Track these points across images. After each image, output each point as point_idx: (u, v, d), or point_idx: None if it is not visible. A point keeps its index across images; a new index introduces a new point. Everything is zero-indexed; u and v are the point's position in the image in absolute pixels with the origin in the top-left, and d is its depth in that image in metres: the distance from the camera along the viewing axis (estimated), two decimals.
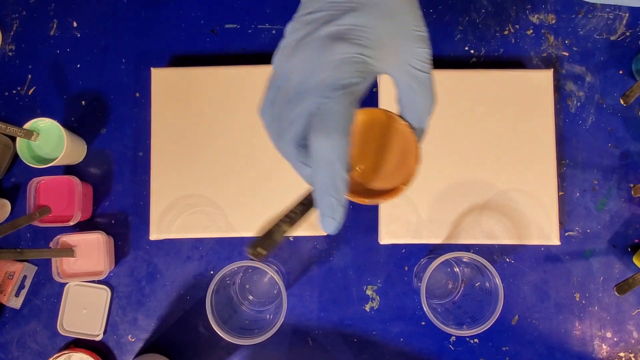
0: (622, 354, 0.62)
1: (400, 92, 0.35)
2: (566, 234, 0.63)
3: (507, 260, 0.63)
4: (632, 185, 0.63)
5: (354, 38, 0.33)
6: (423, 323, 0.63)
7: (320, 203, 0.33)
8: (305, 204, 0.35)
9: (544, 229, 0.59)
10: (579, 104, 0.65)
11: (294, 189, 0.60)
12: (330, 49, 0.32)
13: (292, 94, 0.33)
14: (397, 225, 0.60)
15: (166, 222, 0.60)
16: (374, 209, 0.63)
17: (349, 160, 0.31)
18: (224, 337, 0.53)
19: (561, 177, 0.64)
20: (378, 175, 0.36)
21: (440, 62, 0.66)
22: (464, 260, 0.59)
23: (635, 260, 0.61)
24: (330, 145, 0.31)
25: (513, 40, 0.66)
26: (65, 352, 0.61)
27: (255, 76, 0.61)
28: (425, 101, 0.34)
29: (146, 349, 0.63)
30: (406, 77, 0.34)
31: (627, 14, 0.66)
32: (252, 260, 0.32)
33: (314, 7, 0.35)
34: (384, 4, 0.33)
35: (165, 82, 0.62)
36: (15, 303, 0.63)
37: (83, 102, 0.66)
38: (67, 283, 0.62)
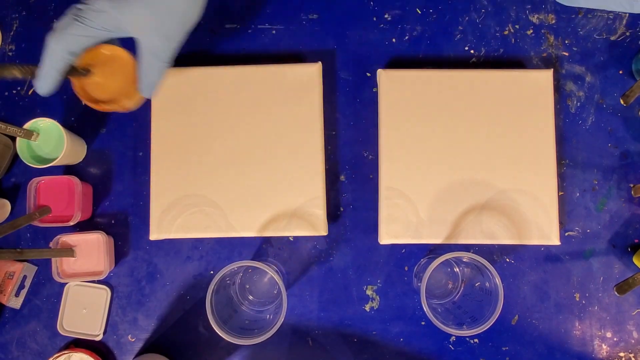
0: (622, 354, 0.62)
1: (139, 58, 0.46)
2: (566, 234, 0.63)
3: (507, 260, 0.63)
4: (632, 185, 0.63)
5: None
6: (423, 323, 0.63)
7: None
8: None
9: (544, 229, 0.59)
10: (579, 104, 0.65)
11: (294, 188, 0.60)
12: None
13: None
14: (397, 225, 0.60)
15: (166, 222, 0.60)
16: (374, 209, 0.63)
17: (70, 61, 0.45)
18: (224, 337, 0.53)
19: (561, 177, 0.64)
20: (112, 92, 0.51)
21: (440, 62, 0.66)
22: (464, 260, 0.59)
23: (635, 260, 0.61)
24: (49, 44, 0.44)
25: (513, 40, 0.66)
26: (65, 352, 0.61)
27: (255, 76, 0.61)
28: (155, 69, 0.47)
29: (146, 349, 0.63)
30: (150, 44, 0.45)
31: (627, 14, 0.66)
32: None
33: None
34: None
35: (165, 82, 0.62)
36: (15, 303, 0.63)
37: (83, 103, 0.66)
38: (67, 283, 0.62)
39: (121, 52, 0.49)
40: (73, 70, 0.47)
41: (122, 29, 0.44)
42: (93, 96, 0.50)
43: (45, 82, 0.44)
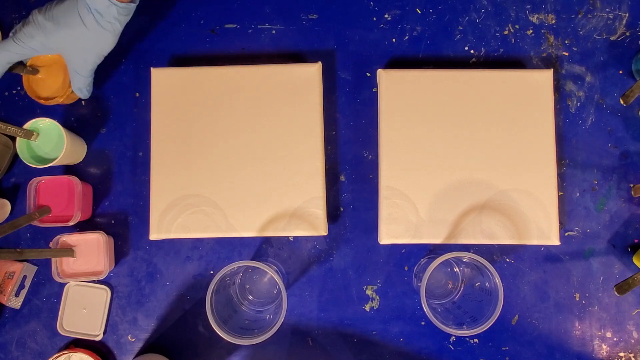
0: (622, 354, 0.62)
1: (69, 66, 0.58)
2: (566, 234, 0.63)
3: (507, 260, 0.63)
4: (631, 185, 0.63)
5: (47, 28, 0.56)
6: (423, 323, 0.63)
7: None
8: None
9: (543, 229, 0.59)
10: (578, 104, 0.65)
11: (294, 188, 0.60)
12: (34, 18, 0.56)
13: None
14: (397, 225, 0.60)
15: (166, 222, 0.60)
16: (374, 209, 0.63)
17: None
18: (223, 337, 0.53)
19: (561, 177, 0.64)
20: (53, 89, 0.62)
21: (440, 62, 0.66)
22: (464, 260, 0.59)
23: (635, 260, 0.61)
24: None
25: (513, 40, 0.66)
26: (65, 352, 0.61)
27: (255, 76, 0.61)
28: (79, 82, 0.60)
29: (146, 349, 0.63)
30: (78, 66, 0.58)
31: (627, 14, 0.66)
32: None
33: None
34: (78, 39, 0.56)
35: (165, 82, 0.62)
36: (15, 303, 0.63)
37: (83, 102, 0.66)
38: (67, 283, 0.62)
39: (60, 57, 0.62)
40: (24, 69, 0.60)
41: (49, 49, 0.56)
42: (37, 92, 0.62)
43: None
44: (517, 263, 0.63)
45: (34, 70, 0.61)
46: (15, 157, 0.64)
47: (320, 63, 0.62)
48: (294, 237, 0.64)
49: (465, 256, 0.53)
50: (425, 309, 0.52)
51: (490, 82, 0.61)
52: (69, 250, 0.61)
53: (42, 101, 0.61)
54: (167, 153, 0.61)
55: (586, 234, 0.63)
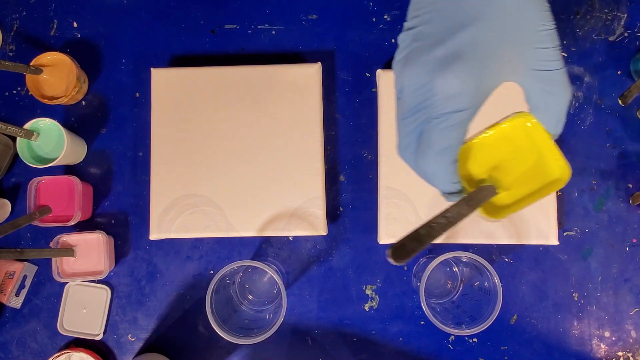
0: (620, 353, 0.62)
1: (528, 96, 0.36)
2: (565, 233, 0.64)
3: (506, 260, 0.63)
4: (632, 195, 0.64)
5: (466, 59, 0.33)
6: (422, 322, 0.63)
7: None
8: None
9: (542, 229, 0.60)
10: (577, 104, 0.65)
11: (294, 188, 0.60)
12: (443, 75, 0.33)
13: (404, 108, 0.35)
14: (396, 225, 0.60)
15: (166, 222, 0.60)
16: (373, 209, 0.63)
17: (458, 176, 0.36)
18: (223, 336, 0.53)
19: None
20: (57, 89, 0.61)
21: None
22: (463, 260, 0.59)
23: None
24: (431, 169, 0.35)
25: None
26: (65, 351, 0.61)
27: (255, 76, 0.62)
28: (559, 98, 0.35)
29: (146, 349, 0.63)
30: (533, 82, 0.34)
31: (626, 15, 0.66)
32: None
33: (422, 18, 0.35)
34: (498, 12, 0.33)
35: (165, 82, 0.62)
36: (16, 303, 0.63)
37: (83, 102, 0.66)
38: (67, 283, 0.63)
39: (65, 58, 0.61)
40: (28, 69, 0.58)
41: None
42: (41, 91, 0.62)
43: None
44: (516, 263, 0.63)
45: (38, 70, 0.60)
46: (16, 157, 0.64)
47: (320, 63, 0.62)
48: (294, 237, 0.64)
49: (464, 256, 0.53)
50: (424, 309, 0.52)
51: None
52: (69, 250, 0.61)
53: (46, 101, 0.61)
54: (167, 153, 0.61)
55: (585, 233, 0.64)
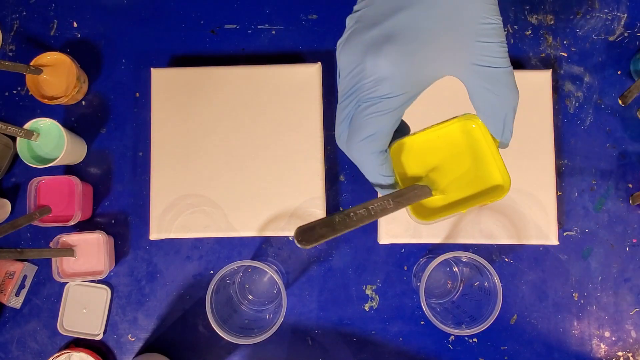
0: (620, 353, 0.62)
1: (471, 93, 0.33)
2: (564, 233, 0.64)
3: (506, 260, 0.63)
4: (632, 195, 0.64)
5: (399, 42, 0.31)
6: (422, 322, 0.63)
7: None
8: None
9: (542, 229, 0.60)
10: (577, 104, 0.65)
11: (294, 188, 0.60)
12: (373, 56, 0.31)
13: (340, 93, 0.34)
14: (396, 225, 0.60)
15: (166, 222, 0.60)
16: None
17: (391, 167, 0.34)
18: (223, 336, 0.53)
19: (560, 177, 0.64)
20: (57, 89, 0.61)
21: None
22: (463, 259, 0.59)
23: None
24: (357, 156, 0.33)
25: (512, 40, 0.66)
26: (65, 351, 0.61)
27: (255, 76, 0.62)
28: (503, 101, 0.33)
29: (146, 349, 0.63)
30: (474, 77, 0.32)
31: (625, 15, 0.66)
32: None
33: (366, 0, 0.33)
34: None
35: (165, 82, 0.62)
36: (16, 303, 0.63)
37: (83, 102, 0.66)
38: (67, 283, 0.63)
39: (65, 58, 0.61)
40: (27, 69, 0.58)
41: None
42: (41, 91, 0.61)
43: None
44: (516, 263, 0.63)
45: (38, 70, 0.60)
46: (16, 157, 0.64)
47: (320, 63, 0.62)
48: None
49: (464, 256, 0.53)
50: (424, 309, 0.52)
51: None
52: (69, 250, 0.61)
53: (46, 101, 0.61)
54: (167, 153, 0.61)
55: (585, 233, 0.64)
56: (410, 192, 0.34)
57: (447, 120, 0.36)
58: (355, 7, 0.34)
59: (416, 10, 0.31)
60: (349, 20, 0.34)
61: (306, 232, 0.31)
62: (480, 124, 0.35)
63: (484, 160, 0.35)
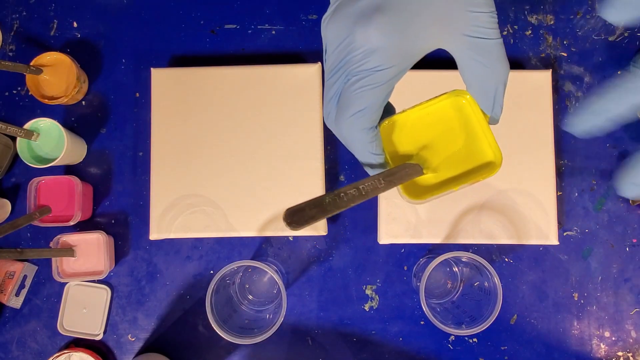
0: (620, 353, 0.62)
1: (460, 66, 0.32)
2: (564, 233, 0.64)
3: (506, 259, 0.63)
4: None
5: (389, 12, 0.30)
6: (422, 322, 0.63)
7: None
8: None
9: (542, 229, 0.60)
10: (577, 104, 0.65)
11: (294, 188, 0.60)
12: (363, 27, 0.30)
13: (327, 69, 0.33)
14: (396, 225, 0.60)
15: (166, 222, 0.60)
16: (373, 209, 0.63)
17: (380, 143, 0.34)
18: (223, 336, 0.53)
19: (560, 177, 0.64)
20: (57, 89, 0.60)
21: (439, 62, 0.66)
22: (463, 259, 0.59)
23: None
24: (346, 133, 0.33)
25: (512, 40, 0.66)
26: (65, 351, 0.61)
27: (255, 76, 0.62)
28: (493, 74, 0.32)
29: (146, 349, 0.63)
30: (464, 48, 0.31)
31: None
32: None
33: None
34: None
35: (165, 82, 0.62)
36: (16, 303, 0.63)
37: (83, 102, 0.66)
38: (67, 283, 0.63)
39: (65, 58, 0.61)
40: (27, 69, 0.58)
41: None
42: (41, 91, 0.61)
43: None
44: (516, 263, 0.63)
45: (38, 70, 0.60)
46: (16, 157, 0.64)
47: (320, 63, 0.62)
48: (294, 237, 0.64)
49: (464, 256, 0.53)
50: (424, 309, 0.52)
51: None
52: (69, 250, 0.61)
53: (46, 101, 0.61)
54: (167, 153, 0.61)
55: (585, 233, 0.64)
56: (402, 170, 0.33)
57: (437, 96, 0.35)
58: None
59: None
60: None
61: (296, 214, 0.30)
62: (471, 100, 0.34)
63: (475, 137, 0.34)
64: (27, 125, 0.60)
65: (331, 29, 0.32)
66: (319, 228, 0.60)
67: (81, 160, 0.65)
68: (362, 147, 0.33)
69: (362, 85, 0.31)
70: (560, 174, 0.64)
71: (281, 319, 0.52)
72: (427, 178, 0.35)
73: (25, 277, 0.63)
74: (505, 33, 0.66)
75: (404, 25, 0.30)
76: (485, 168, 0.34)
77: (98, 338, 0.62)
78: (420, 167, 0.34)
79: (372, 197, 0.32)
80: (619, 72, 0.65)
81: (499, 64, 0.32)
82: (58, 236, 0.62)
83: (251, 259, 0.60)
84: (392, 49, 0.31)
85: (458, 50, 0.32)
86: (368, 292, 0.63)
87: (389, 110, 0.36)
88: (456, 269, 0.64)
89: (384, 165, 0.34)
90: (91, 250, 0.62)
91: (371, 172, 0.34)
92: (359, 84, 0.31)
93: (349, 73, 0.31)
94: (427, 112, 0.35)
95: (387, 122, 0.35)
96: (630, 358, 0.62)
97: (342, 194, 0.31)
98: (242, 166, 0.61)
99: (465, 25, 0.31)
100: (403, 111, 0.35)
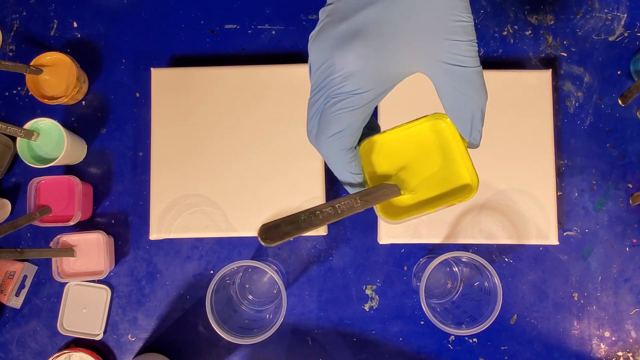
0: (620, 353, 0.62)
1: (439, 92, 0.33)
2: (564, 233, 0.64)
3: (506, 259, 0.63)
4: (632, 195, 0.64)
5: (367, 36, 0.31)
6: (422, 322, 0.63)
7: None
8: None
9: (542, 229, 0.60)
10: (577, 104, 0.65)
11: (294, 188, 0.60)
12: (342, 51, 0.31)
13: (311, 87, 0.34)
14: (396, 225, 0.60)
15: (166, 222, 0.60)
16: (373, 209, 0.63)
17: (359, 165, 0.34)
18: (223, 336, 0.53)
19: (560, 177, 0.64)
20: (57, 89, 0.61)
21: None
22: (463, 259, 0.59)
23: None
24: (325, 153, 0.33)
25: (512, 40, 0.66)
26: (65, 351, 0.61)
27: (255, 76, 0.62)
28: (471, 102, 0.32)
29: (146, 349, 0.63)
30: (442, 75, 0.32)
31: (625, 15, 0.66)
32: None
33: None
34: None
35: (165, 82, 0.62)
36: (16, 303, 0.63)
37: (83, 102, 0.66)
38: (67, 283, 0.63)
39: (65, 58, 0.61)
40: (27, 69, 0.58)
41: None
42: (41, 91, 0.61)
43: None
44: (516, 263, 0.63)
45: (38, 70, 0.60)
46: (16, 157, 0.64)
47: None
48: (294, 237, 0.64)
49: (464, 256, 0.53)
50: (424, 309, 0.52)
51: (489, 83, 0.61)
52: (69, 250, 0.61)
53: (46, 101, 0.61)
54: (167, 153, 0.61)
55: (585, 233, 0.64)
56: (379, 191, 0.34)
57: (418, 119, 0.36)
58: (328, 0, 0.34)
59: (385, 5, 0.31)
60: (321, 14, 0.33)
61: (270, 230, 0.31)
62: (450, 123, 0.35)
63: (452, 160, 0.35)
64: (27, 125, 0.60)
65: (314, 50, 0.33)
66: (319, 228, 0.60)
67: (81, 160, 0.65)
68: (341, 166, 0.34)
69: (341, 108, 0.32)
70: (560, 174, 0.64)
71: (281, 319, 0.52)
72: (405, 199, 0.35)
73: (25, 277, 0.63)
74: (505, 33, 0.66)
75: (381, 51, 0.31)
76: (462, 191, 0.35)
77: (98, 338, 0.62)
78: (397, 188, 0.34)
79: (348, 215, 0.32)
80: (618, 72, 0.65)
81: (475, 92, 0.32)
82: (58, 236, 0.62)
83: (251, 259, 0.60)
84: (369, 73, 0.31)
85: (435, 77, 0.32)
86: (368, 292, 0.63)
87: (373, 128, 0.37)
88: (456, 269, 0.64)
89: (362, 184, 0.35)
90: (91, 250, 0.62)
91: (351, 190, 0.35)
92: (338, 106, 0.32)
93: (329, 94, 0.32)
94: (406, 134, 0.36)
95: (366, 142, 0.36)
96: (630, 358, 0.62)
97: (317, 212, 0.32)
98: (242, 166, 0.61)
99: (443, 53, 0.31)
100: (383, 132, 0.36)
